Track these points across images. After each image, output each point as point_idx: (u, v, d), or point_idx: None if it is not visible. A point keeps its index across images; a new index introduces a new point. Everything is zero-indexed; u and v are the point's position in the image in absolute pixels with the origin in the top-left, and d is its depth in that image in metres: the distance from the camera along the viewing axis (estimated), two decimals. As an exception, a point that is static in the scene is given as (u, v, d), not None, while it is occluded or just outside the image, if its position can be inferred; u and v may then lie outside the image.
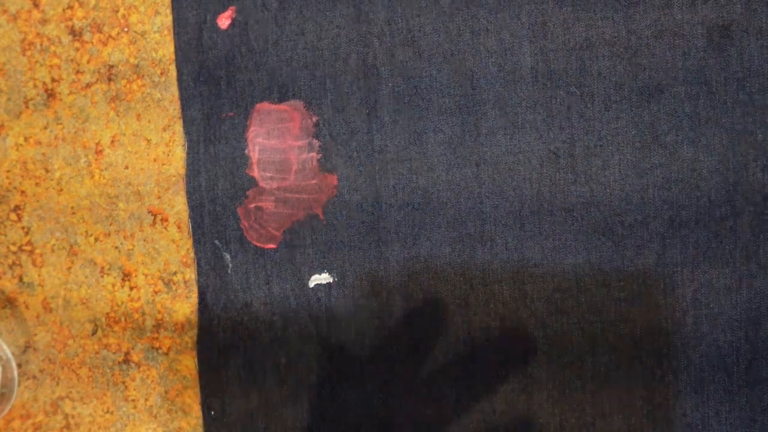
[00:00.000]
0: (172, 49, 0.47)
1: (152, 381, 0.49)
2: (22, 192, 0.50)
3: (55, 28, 0.48)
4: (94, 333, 0.50)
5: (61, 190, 0.49)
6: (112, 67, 0.48)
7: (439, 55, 0.45)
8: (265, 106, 0.47)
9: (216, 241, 0.48)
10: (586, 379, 0.45)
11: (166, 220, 0.48)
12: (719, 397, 0.44)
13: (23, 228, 0.50)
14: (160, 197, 0.48)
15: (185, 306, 0.49)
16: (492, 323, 0.45)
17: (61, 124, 0.49)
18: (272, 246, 0.47)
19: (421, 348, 0.46)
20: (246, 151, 0.47)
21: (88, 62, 0.48)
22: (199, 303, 0.48)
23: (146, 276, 0.49)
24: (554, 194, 0.44)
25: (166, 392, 0.49)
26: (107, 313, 0.49)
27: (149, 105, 0.48)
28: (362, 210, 0.46)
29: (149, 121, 0.48)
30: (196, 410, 0.49)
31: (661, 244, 0.44)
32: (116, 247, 0.49)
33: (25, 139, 0.49)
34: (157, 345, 0.49)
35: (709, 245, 0.43)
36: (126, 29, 0.48)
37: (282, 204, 0.47)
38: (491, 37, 0.44)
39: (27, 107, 0.49)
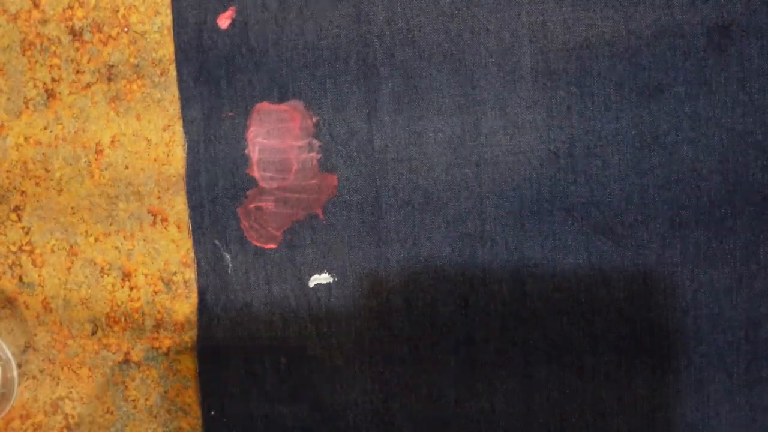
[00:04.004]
0: (172, 49, 0.47)
1: (152, 381, 0.49)
2: (22, 192, 0.50)
3: (55, 28, 0.48)
4: (94, 333, 0.50)
5: (61, 190, 0.49)
6: (112, 67, 0.48)
7: (439, 55, 0.45)
8: (265, 106, 0.47)
9: (216, 241, 0.48)
10: (586, 379, 0.45)
11: (166, 220, 0.48)
12: (719, 397, 0.44)
13: (23, 228, 0.50)
14: (160, 197, 0.48)
15: (185, 306, 0.49)
16: (492, 323, 0.45)
17: (61, 124, 0.49)
18: (272, 246, 0.47)
19: (421, 348, 0.46)
20: (246, 151, 0.47)
21: (88, 62, 0.48)
22: (199, 303, 0.48)
23: (146, 276, 0.49)
24: (554, 194, 0.44)
25: (166, 392, 0.49)
26: (107, 313, 0.49)
27: (149, 105, 0.48)
28: (362, 210, 0.46)
29: (149, 121, 0.48)
30: (196, 410, 0.49)
31: (661, 244, 0.44)
32: (116, 247, 0.49)
33: (26, 139, 0.49)
34: (157, 345, 0.49)
35: (709, 245, 0.43)
36: (126, 29, 0.48)
37: (282, 204, 0.47)
38: (491, 37, 0.44)
39: (27, 107, 0.49)
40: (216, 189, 0.47)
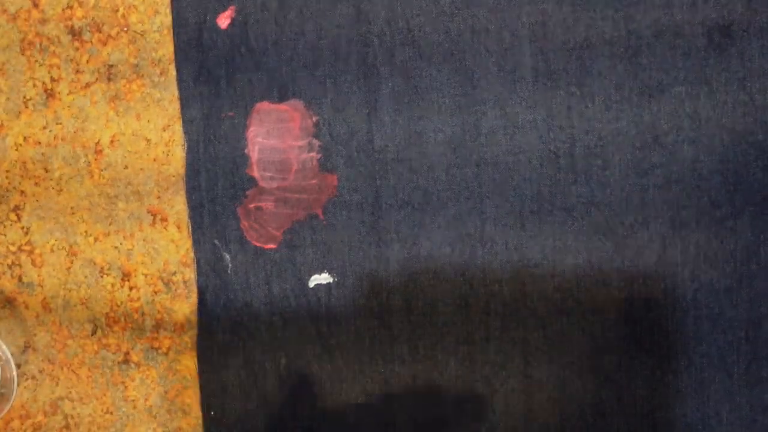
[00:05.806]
0: (171, 48, 0.47)
1: (152, 381, 0.49)
2: (22, 192, 0.50)
3: (54, 27, 0.48)
4: (93, 333, 0.50)
5: (61, 190, 0.49)
6: (111, 66, 0.48)
7: (439, 55, 0.45)
8: (265, 105, 0.47)
9: (216, 241, 0.48)
10: (586, 379, 0.45)
11: (166, 220, 0.48)
12: (720, 398, 0.44)
13: (23, 228, 0.50)
14: (159, 197, 0.48)
15: (185, 306, 0.48)
16: (492, 323, 0.45)
17: (60, 123, 0.49)
18: (272, 246, 0.47)
19: (421, 348, 0.46)
20: (246, 151, 0.47)
21: (87, 62, 0.48)
22: (199, 303, 0.48)
23: (146, 276, 0.49)
24: (554, 194, 0.44)
25: (165, 392, 0.49)
26: (107, 313, 0.49)
27: (149, 105, 0.48)
28: (362, 210, 0.46)
29: (149, 121, 0.48)
30: (196, 410, 0.49)
31: (661, 245, 0.44)
32: (116, 247, 0.49)
33: (25, 139, 0.49)
34: (156, 345, 0.49)
35: (709, 245, 0.43)
36: (125, 29, 0.48)
37: (282, 204, 0.47)
38: (491, 37, 0.44)
39: (26, 107, 0.49)
40: (216, 189, 0.47)
